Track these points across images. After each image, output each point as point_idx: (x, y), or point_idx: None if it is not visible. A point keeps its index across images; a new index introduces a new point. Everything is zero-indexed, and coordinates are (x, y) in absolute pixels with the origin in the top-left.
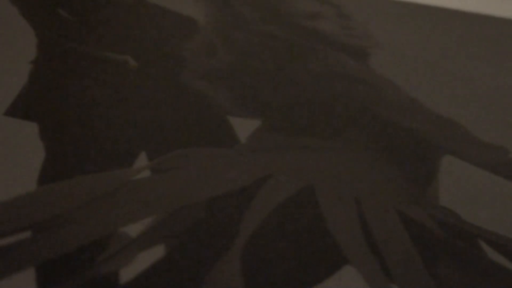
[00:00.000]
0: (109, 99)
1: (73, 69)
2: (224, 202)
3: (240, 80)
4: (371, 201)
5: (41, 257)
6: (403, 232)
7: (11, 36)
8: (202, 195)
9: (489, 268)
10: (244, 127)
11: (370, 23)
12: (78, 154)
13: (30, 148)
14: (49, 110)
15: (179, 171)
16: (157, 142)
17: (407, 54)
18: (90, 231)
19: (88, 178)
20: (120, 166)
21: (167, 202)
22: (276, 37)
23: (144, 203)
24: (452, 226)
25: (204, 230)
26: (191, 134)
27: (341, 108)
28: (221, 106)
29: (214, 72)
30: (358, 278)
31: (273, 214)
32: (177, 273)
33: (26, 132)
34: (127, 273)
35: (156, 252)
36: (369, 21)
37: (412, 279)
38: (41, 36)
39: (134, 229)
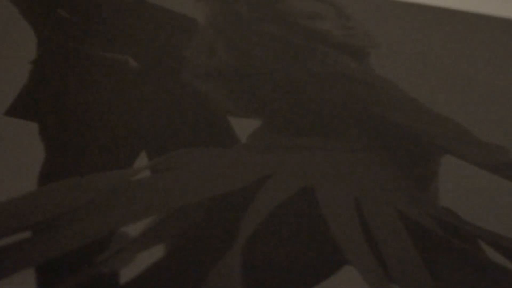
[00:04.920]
0: (109, 99)
1: (73, 69)
2: (224, 202)
3: (240, 80)
4: (371, 201)
5: (41, 257)
6: (403, 232)
7: (11, 36)
8: (202, 195)
9: (489, 268)
10: (244, 127)
11: (370, 23)
12: (78, 154)
13: (30, 148)
14: (49, 110)
15: (179, 171)
16: (157, 142)
17: (407, 54)
18: (90, 231)
19: (88, 178)
20: (120, 166)
21: (167, 202)
22: (276, 37)
23: (144, 203)
24: (452, 226)
25: (204, 230)
26: (191, 134)
27: (341, 108)
28: (221, 106)
29: (214, 72)
30: (358, 278)
31: (273, 214)
32: (177, 273)
33: (26, 132)
34: (127, 273)
35: (156, 252)
36: (369, 21)
37: (412, 279)
38: (41, 36)
39: (134, 229)
